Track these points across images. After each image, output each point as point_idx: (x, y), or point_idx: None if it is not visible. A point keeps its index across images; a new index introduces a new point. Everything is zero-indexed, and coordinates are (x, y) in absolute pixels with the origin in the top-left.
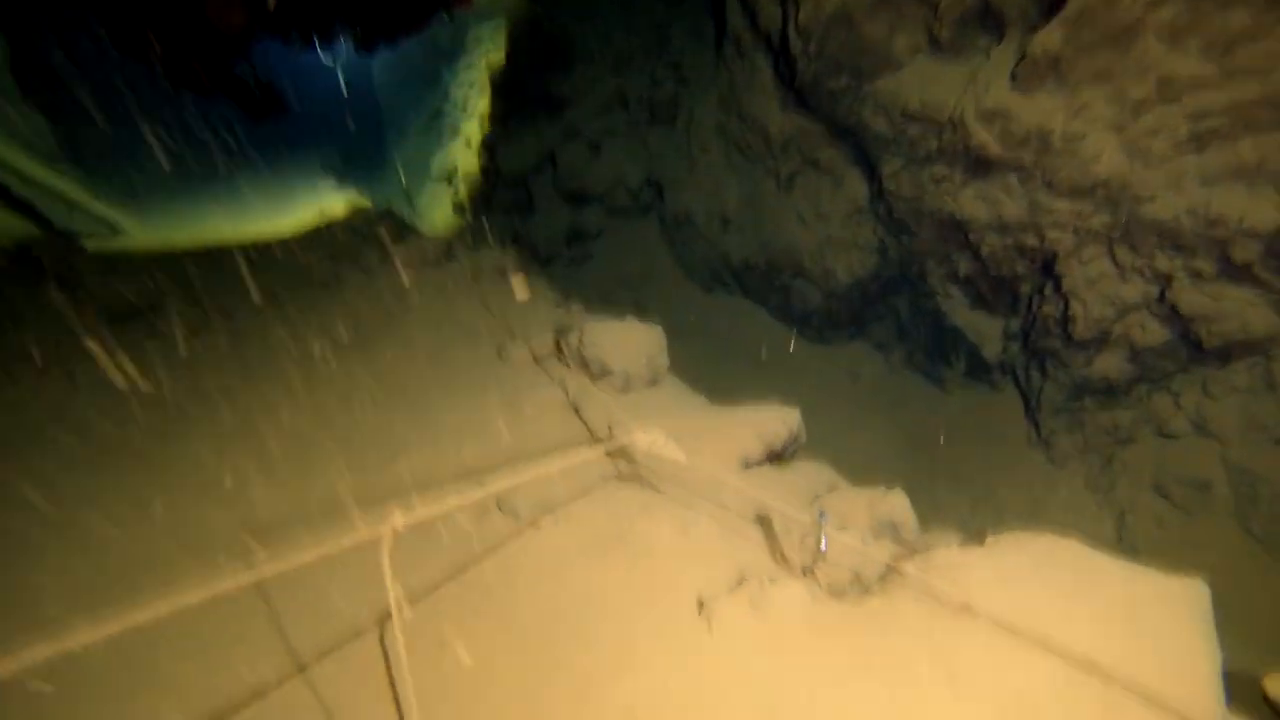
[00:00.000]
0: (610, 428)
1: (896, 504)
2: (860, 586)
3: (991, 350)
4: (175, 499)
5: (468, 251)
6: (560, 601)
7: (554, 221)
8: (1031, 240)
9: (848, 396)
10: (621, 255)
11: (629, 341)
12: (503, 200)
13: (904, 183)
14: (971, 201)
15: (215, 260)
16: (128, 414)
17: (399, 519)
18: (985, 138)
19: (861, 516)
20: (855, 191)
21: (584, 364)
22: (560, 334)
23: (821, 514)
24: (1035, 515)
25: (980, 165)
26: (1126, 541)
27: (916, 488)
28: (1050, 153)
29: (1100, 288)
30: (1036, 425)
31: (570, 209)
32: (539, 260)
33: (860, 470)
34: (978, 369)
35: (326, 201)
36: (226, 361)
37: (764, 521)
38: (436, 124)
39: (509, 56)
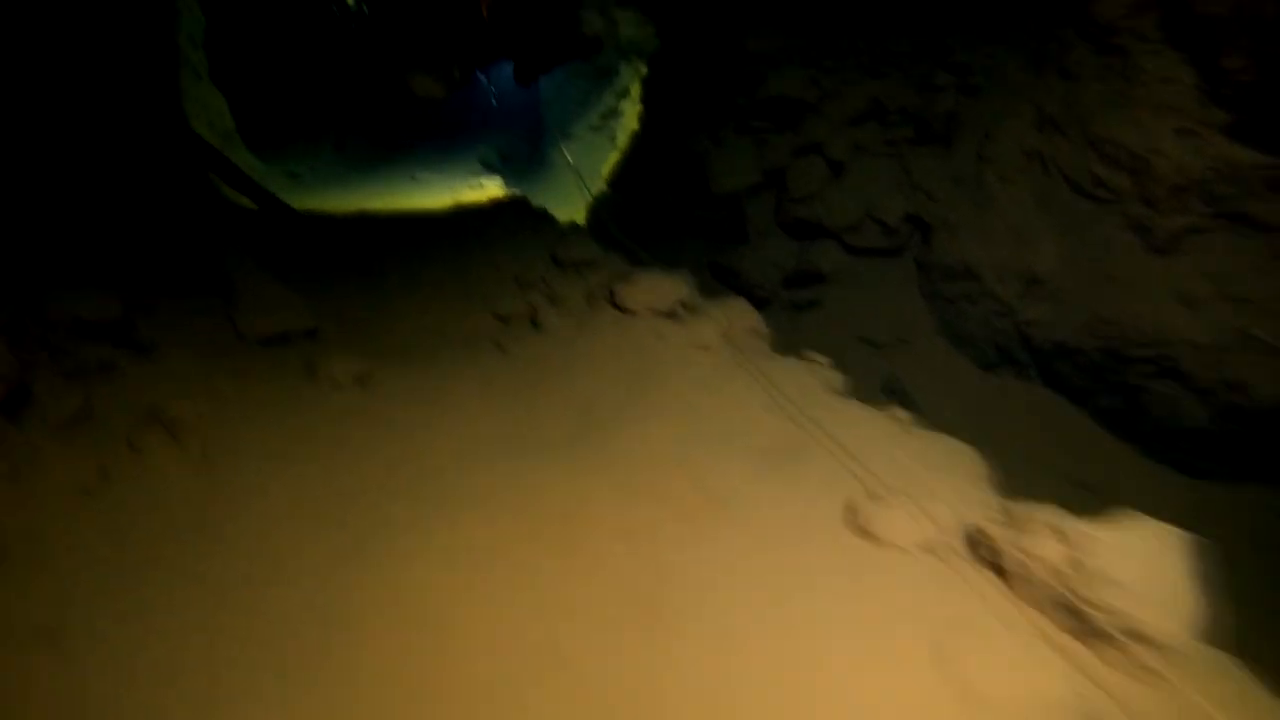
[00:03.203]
0: None
1: None
2: None
3: None
4: None
5: (700, 296)
6: None
7: (774, 256)
8: None
9: (1236, 566)
10: (862, 307)
11: (1153, 562)
12: (704, 223)
13: None
14: None
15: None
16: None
17: None
18: None
19: None
20: None
21: (1060, 589)
22: (995, 522)
23: None
24: None
25: None
26: None
27: None
28: None
29: None
30: None
31: (796, 242)
32: (752, 301)
33: None
34: None
35: (485, 191)
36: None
37: None
38: (608, 124)
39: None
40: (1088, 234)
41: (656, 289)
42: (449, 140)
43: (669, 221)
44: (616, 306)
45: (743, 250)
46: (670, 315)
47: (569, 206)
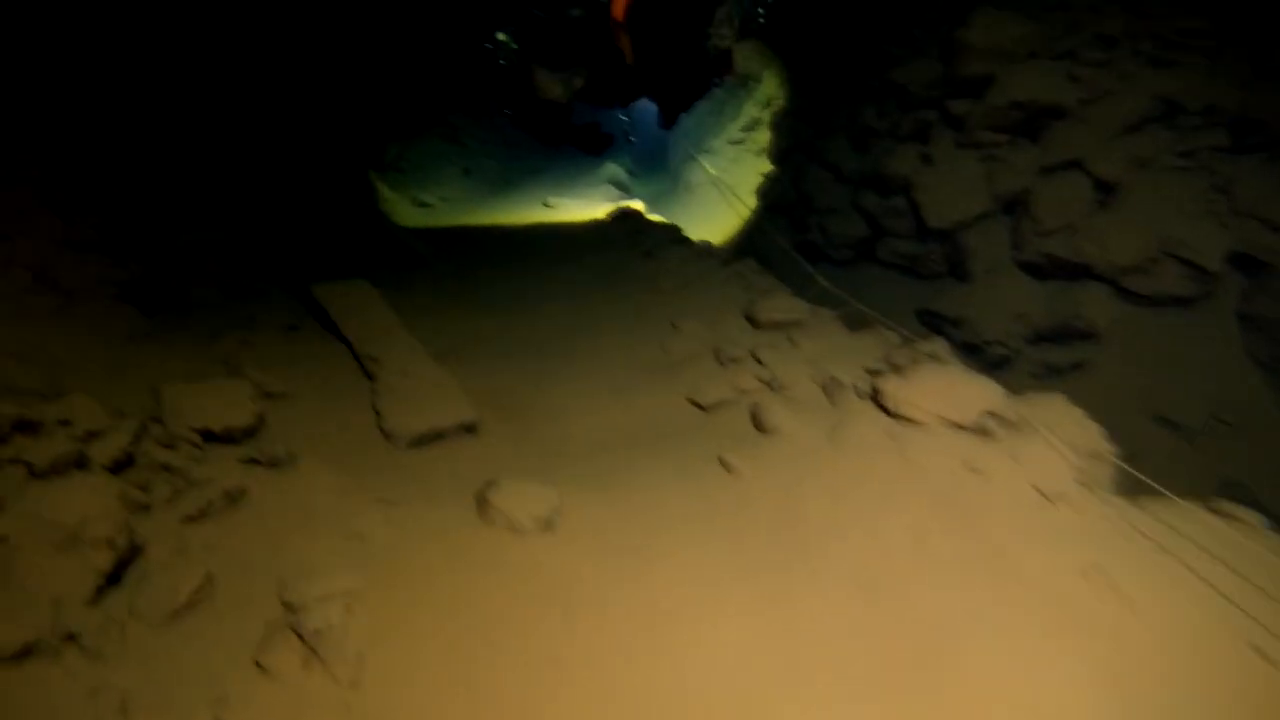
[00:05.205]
0: None
1: None
2: None
3: None
4: None
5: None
6: None
7: (1012, 303)
8: None
9: None
10: (1151, 375)
11: None
12: (901, 255)
13: None
14: None
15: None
16: None
17: None
18: None
19: None
20: None
21: None
22: None
23: None
24: None
25: None
26: None
27: None
28: None
29: None
30: None
31: (1040, 285)
32: (983, 358)
33: None
34: None
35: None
36: None
37: None
38: (751, 137)
39: None
40: None
41: (950, 391)
42: (576, 159)
43: (847, 251)
44: (883, 409)
45: (964, 294)
46: (979, 432)
47: (714, 228)
